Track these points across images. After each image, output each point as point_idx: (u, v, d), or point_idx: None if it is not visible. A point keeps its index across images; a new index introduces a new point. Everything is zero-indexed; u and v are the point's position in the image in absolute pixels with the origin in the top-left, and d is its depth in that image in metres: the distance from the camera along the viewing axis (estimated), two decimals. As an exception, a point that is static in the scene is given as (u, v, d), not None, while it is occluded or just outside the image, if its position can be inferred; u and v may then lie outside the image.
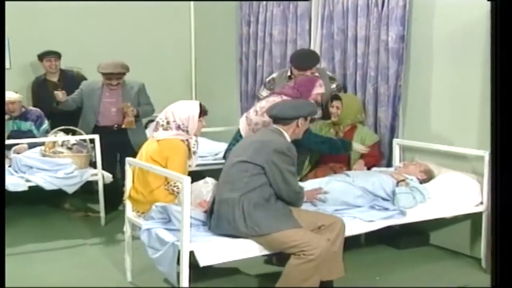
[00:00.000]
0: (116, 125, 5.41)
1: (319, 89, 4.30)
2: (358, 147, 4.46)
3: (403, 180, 4.05)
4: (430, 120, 4.53)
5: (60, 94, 5.34)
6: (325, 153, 4.42)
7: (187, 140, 3.85)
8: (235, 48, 6.26)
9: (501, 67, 3.13)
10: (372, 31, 4.73)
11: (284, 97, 4.16)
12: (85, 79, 5.88)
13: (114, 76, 5.35)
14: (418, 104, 4.61)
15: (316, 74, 4.76)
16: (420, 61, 4.55)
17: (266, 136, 3.58)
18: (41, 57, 6.01)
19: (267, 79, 5.06)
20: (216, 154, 5.45)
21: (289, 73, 4.84)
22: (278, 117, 3.62)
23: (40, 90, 6.02)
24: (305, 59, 4.76)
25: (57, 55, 6.01)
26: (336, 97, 4.66)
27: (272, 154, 3.37)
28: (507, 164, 3.02)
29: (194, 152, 3.90)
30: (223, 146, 5.58)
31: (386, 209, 3.83)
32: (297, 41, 5.43)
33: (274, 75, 5.04)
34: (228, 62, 6.43)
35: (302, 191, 3.56)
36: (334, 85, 4.87)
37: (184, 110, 3.84)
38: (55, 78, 6.04)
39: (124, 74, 5.40)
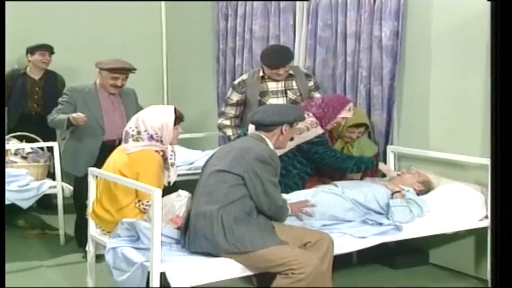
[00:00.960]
0: (119, 139, 4.63)
1: (346, 113, 4.30)
2: (384, 168, 4.43)
3: (398, 192, 4.06)
4: (428, 125, 4.56)
5: (80, 120, 4.58)
6: (351, 172, 4.30)
7: (162, 151, 3.77)
8: (212, 45, 6.25)
9: (501, 68, 3.17)
10: (364, 27, 4.75)
11: (310, 113, 4.18)
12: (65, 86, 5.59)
13: (124, 73, 4.83)
14: (415, 107, 4.64)
15: (291, 72, 4.78)
16: (417, 60, 4.58)
17: (246, 143, 3.58)
18: (33, 50, 5.88)
19: (237, 81, 4.98)
20: (191, 163, 5.44)
21: (261, 73, 4.83)
22: (260, 123, 3.62)
23: (15, 85, 5.86)
24: (276, 56, 4.76)
25: (50, 50, 5.91)
26: (363, 125, 4.62)
27: (252, 163, 3.37)
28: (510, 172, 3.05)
29: (172, 164, 3.81)
30: (198, 154, 5.59)
31: (380, 224, 3.84)
32: (280, 37, 5.44)
33: (244, 76, 5.00)
34: (204, 61, 6.43)
35: (286, 205, 3.56)
36: (311, 83, 4.88)
37: (157, 118, 3.75)
38: (37, 76, 5.93)
39: (131, 72, 4.90)
